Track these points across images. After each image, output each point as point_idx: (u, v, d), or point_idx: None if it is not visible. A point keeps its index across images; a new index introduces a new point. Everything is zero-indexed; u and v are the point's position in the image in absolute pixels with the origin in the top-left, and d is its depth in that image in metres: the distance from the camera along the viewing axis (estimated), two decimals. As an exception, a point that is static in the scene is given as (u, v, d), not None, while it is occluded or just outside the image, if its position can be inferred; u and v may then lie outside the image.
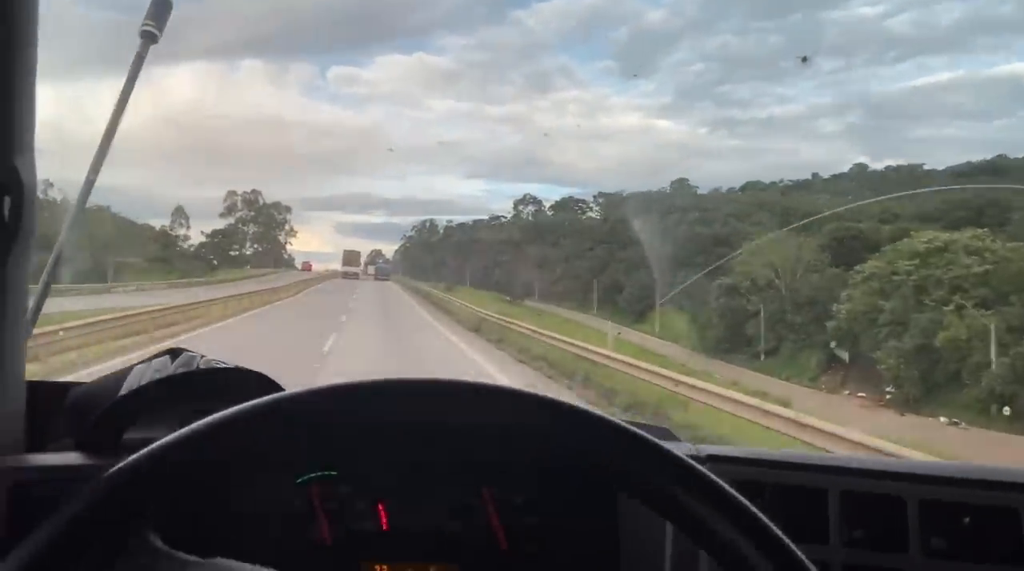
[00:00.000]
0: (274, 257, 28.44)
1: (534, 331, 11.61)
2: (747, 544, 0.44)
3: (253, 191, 27.38)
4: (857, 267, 11.29)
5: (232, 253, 26.78)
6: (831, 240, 13.09)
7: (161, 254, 23.70)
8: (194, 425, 0.47)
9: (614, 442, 0.47)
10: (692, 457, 0.51)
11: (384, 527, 0.88)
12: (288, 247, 29.42)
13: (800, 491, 0.81)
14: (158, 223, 25.43)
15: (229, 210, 26.86)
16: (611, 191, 26.48)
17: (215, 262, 24.79)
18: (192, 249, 24.85)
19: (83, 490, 0.45)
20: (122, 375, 0.85)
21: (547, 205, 27.51)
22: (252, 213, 27.63)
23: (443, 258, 27.62)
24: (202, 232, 24.87)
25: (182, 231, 25.70)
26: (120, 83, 1.02)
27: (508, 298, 20.29)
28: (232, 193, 27.04)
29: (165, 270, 23.11)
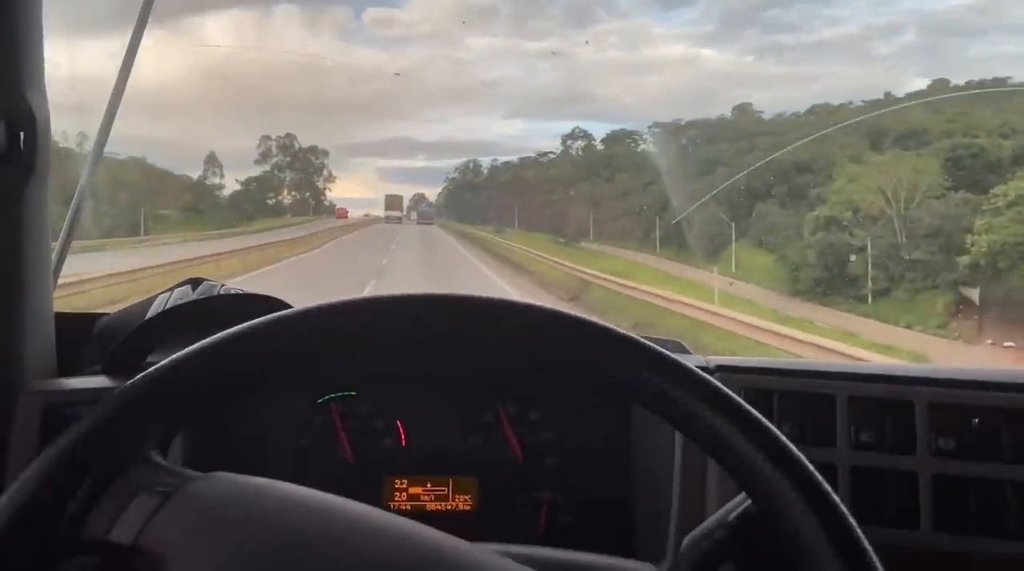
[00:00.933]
0: (314, 204, 27.26)
1: (619, 284, 10.13)
2: (754, 452, 0.45)
3: (288, 135, 26.04)
4: (994, 190, 9.46)
5: (268, 201, 25.64)
6: (945, 160, 11.18)
7: (195, 205, 22.73)
8: (201, 342, 0.48)
9: (625, 354, 0.49)
10: (702, 368, 0.53)
11: (403, 443, 0.95)
12: (328, 193, 28.13)
13: (808, 397, 0.85)
14: (197, 174, 24.35)
15: (264, 156, 25.62)
16: (666, 121, 24.57)
17: (250, 211, 23.60)
18: (226, 199, 23.60)
19: (94, 407, 0.47)
20: (146, 304, 0.93)
21: (598, 139, 25.68)
22: (288, 159, 26.36)
23: (489, 199, 26.09)
24: (236, 180, 23.74)
25: (216, 180, 24.40)
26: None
27: (562, 240, 18.78)
28: (266, 138, 25.73)
29: (200, 221, 22.15)
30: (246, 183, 23.62)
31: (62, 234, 0.99)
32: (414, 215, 29.00)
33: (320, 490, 0.48)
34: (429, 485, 0.95)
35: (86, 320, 0.95)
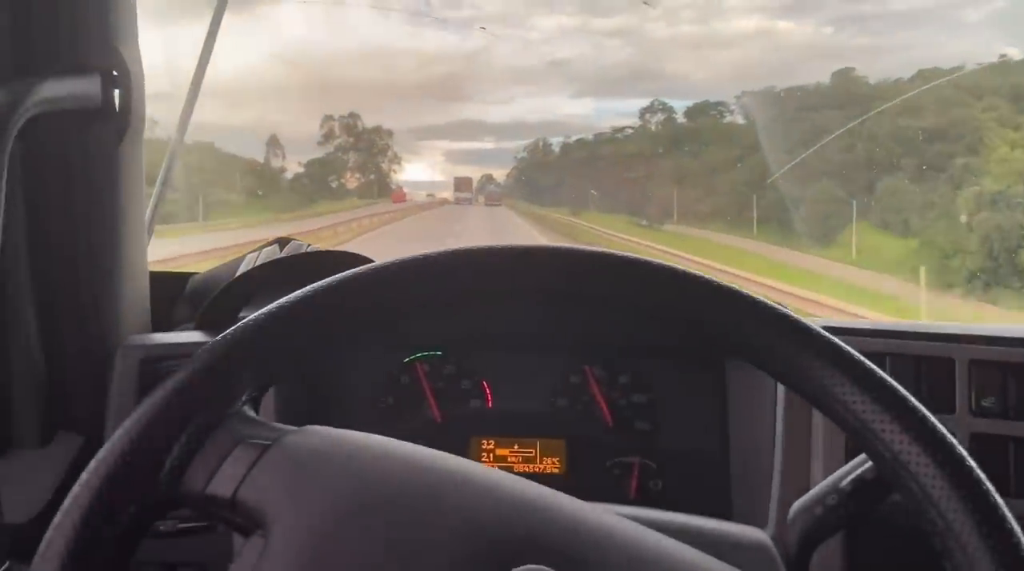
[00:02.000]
0: (379, 186, 26.13)
1: (733, 276, 8.53)
2: (880, 412, 0.43)
3: (351, 115, 24.97)
4: None
5: (332, 184, 24.61)
6: None
7: (256, 188, 21.89)
8: (291, 296, 0.48)
9: (744, 311, 0.46)
10: None
11: (489, 404, 0.95)
12: (394, 175, 26.99)
13: (924, 360, 0.81)
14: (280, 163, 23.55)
15: (326, 137, 24.60)
16: (757, 89, 22.44)
17: (312, 194, 22.54)
18: (288, 182, 22.59)
19: (190, 359, 0.47)
20: (235, 263, 0.96)
21: (679, 112, 23.69)
22: (351, 139, 25.26)
23: (561, 179, 24.46)
24: (299, 163, 22.77)
25: (278, 163, 23.42)
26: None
27: (644, 222, 17.12)
28: (329, 118, 24.68)
29: (261, 205, 21.30)
30: (308, 165, 22.63)
31: (154, 194, 1.02)
32: (481, 197, 27.71)
33: None
34: (516, 447, 0.92)
35: (178, 278, 0.99)
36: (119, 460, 0.44)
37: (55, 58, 0.75)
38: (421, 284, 0.47)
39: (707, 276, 0.48)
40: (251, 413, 0.49)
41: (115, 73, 0.76)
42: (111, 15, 0.77)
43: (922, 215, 10.98)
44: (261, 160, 23.01)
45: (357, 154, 25.52)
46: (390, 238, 15.02)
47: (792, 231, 13.99)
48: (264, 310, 0.48)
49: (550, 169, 25.91)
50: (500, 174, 30.17)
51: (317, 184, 22.69)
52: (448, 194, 28.53)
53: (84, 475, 0.45)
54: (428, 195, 27.89)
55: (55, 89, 0.69)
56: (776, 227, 14.56)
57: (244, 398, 0.48)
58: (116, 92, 0.76)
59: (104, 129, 0.78)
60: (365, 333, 0.49)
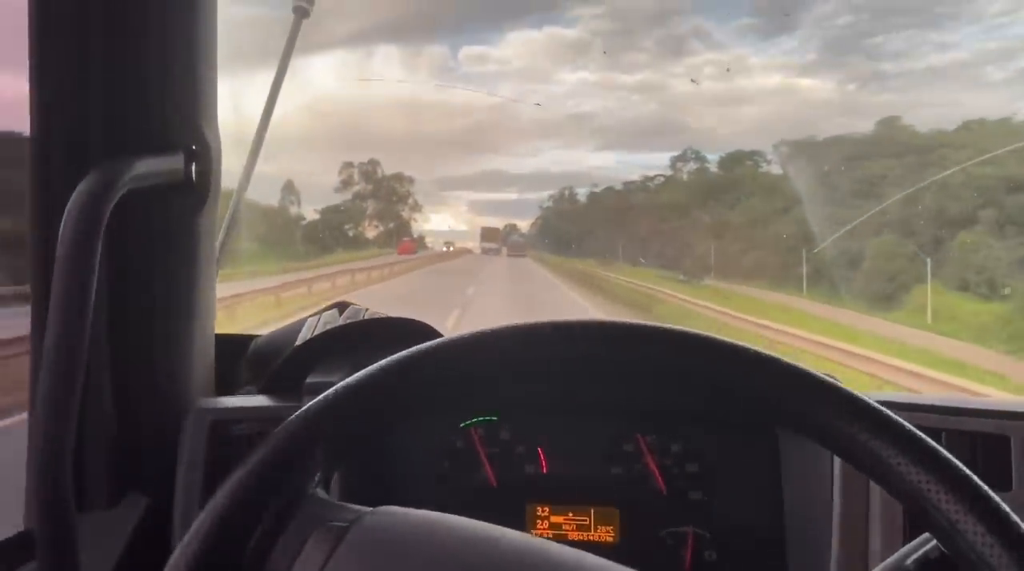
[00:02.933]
0: (398, 236, 25.16)
1: (811, 342, 7.20)
2: (938, 487, 0.43)
3: (370, 161, 24.10)
4: None
5: (349, 232, 23.67)
6: None
7: (268, 236, 20.97)
8: (367, 369, 0.49)
9: (811, 395, 0.47)
10: None
11: (543, 470, 0.93)
12: (414, 224, 25.93)
13: (980, 436, 0.81)
14: (296, 210, 22.63)
15: (345, 184, 23.72)
16: (796, 139, 21.30)
17: (328, 243, 21.48)
18: (302, 230, 21.65)
19: (273, 433, 0.48)
20: (296, 327, 0.98)
21: (712, 161, 22.57)
22: (370, 186, 24.38)
23: (589, 229, 23.32)
24: (315, 210, 21.85)
25: (293, 209, 22.48)
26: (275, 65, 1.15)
27: (682, 277, 15.86)
28: (348, 165, 23.83)
29: (273, 254, 20.36)
30: (323, 213, 21.68)
31: (216, 249, 1.01)
32: (504, 248, 26.65)
33: (464, 515, 0.48)
34: (571, 514, 0.92)
35: (241, 341, 1.02)
36: (203, 547, 0.45)
37: (144, 137, 0.80)
38: (479, 363, 0.49)
39: (760, 349, 0.49)
40: (323, 494, 0.50)
41: (195, 149, 0.81)
42: (195, 96, 0.83)
43: (1013, 274, 9.60)
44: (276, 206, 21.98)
45: (376, 202, 24.60)
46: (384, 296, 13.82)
47: (847, 290, 12.66)
48: (335, 388, 0.49)
49: (577, 219, 24.71)
50: (523, 225, 29.09)
51: (333, 232, 21.69)
52: (472, 244, 27.52)
53: (173, 556, 0.45)
54: (446, 245, 26.59)
55: (144, 167, 0.73)
56: (828, 286, 13.21)
57: (317, 479, 0.49)
58: (194, 166, 0.81)
59: (184, 202, 0.83)
60: (428, 409, 0.51)
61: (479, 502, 0.91)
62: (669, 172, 22.42)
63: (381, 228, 24.79)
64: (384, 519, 0.47)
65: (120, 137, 0.78)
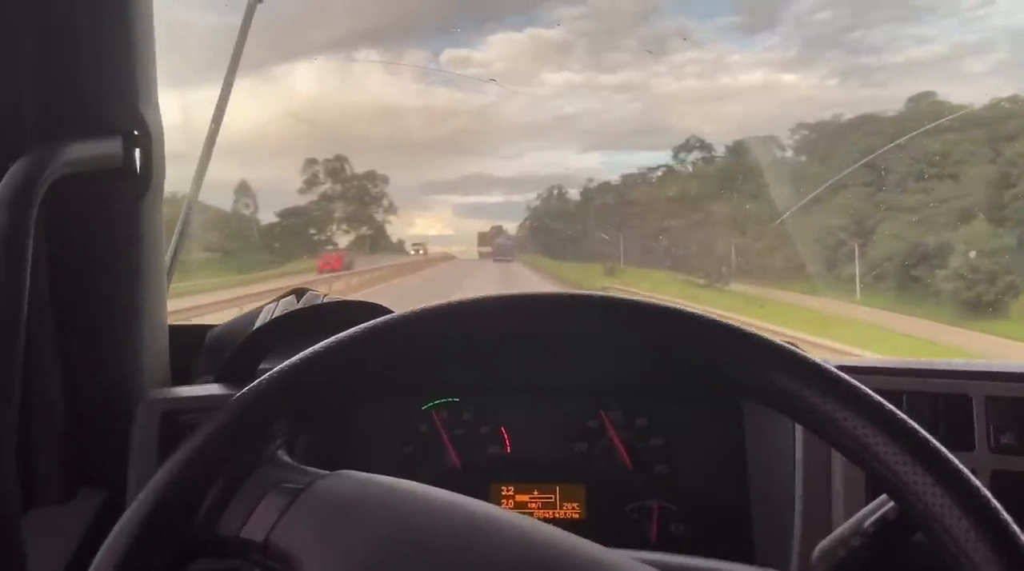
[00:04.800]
0: (372, 241, 22.51)
1: None
2: (901, 455, 0.43)
3: (336, 158, 21.37)
4: None
5: (315, 238, 21.01)
6: None
7: (222, 244, 18.29)
8: (314, 348, 0.49)
9: (757, 354, 0.47)
10: None
11: (507, 450, 0.96)
12: (389, 227, 23.16)
13: (941, 398, 0.82)
14: (252, 214, 19.76)
15: (309, 184, 21.03)
16: (814, 120, 18.91)
17: (287, 250, 18.71)
18: (257, 236, 18.89)
19: (215, 413, 0.48)
20: (253, 314, 0.99)
21: (717, 150, 20.09)
22: (338, 186, 21.70)
23: (584, 229, 20.80)
24: (275, 214, 19.16)
25: (247, 213, 19.63)
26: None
27: (702, 280, 13.42)
28: (312, 162, 21.07)
29: (225, 264, 17.72)
30: (282, 215, 18.97)
31: (174, 238, 1.05)
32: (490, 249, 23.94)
33: None
34: (536, 492, 0.94)
35: (196, 331, 1.02)
36: (156, 503, 0.45)
37: (79, 121, 0.78)
38: (439, 338, 0.48)
39: (716, 317, 0.48)
40: (285, 458, 0.49)
41: (136, 133, 0.79)
42: (132, 78, 0.80)
43: None
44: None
45: (345, 203, 21.90)
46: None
47: (921, 294, 10.21)
48: (300, 356, 0.49)
49: (570, 218, 22.09)
50: (511, 227, 26.44)
51: (295, 238, 19.01)
52: (457, 249, 24.81)
53: (123, 517, 0.46)
54: (415, 247, 23.64)
55: (79, 152, 0.71)
56: (890, 288, 10.76)
57: (278, 443, 0.49)
58: (137, 152, 0.79)
59: (125, 188, 0.80)
60: (391, 382, 0.50)
61: (443, 484, 0.78)
62: (671, 163, 19.94)
63: (351, 232, 22.09)
64: (340, 482, 0.48)
65: (53, 121, 0.77)
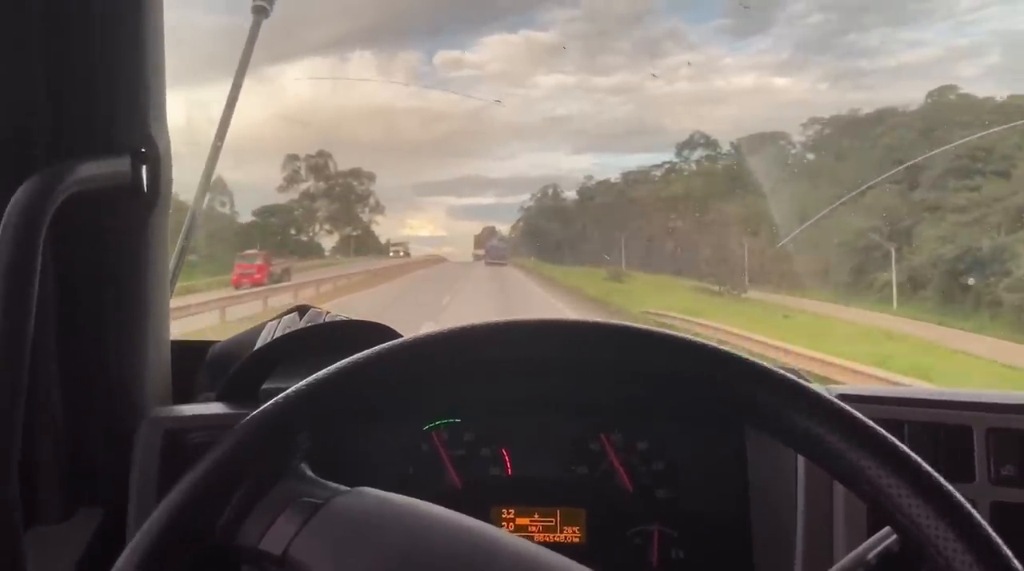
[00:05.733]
0: (357, 242, 21.25)
1: None
2: (902, 487, 0.43)
3: (320, 154, 20.04)
4: None
5: (299, 237, 19.77)
6: None
7: (198, 246, 17.00)
8: (323, 372, 0.50)
9: (760, 384, 0.47)
10: None
11: (508, 472, 0.92)
12: (376, 228, 21.79)
13: (942, 428, 0.80)
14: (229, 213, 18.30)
15: (289, 181, 19.74)
16: (830, 114, 17.74)
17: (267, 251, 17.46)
18: (233, 236, 17.56)
19: (226, 435, 0.48)
20: (255, 332, 0.95)
21: (723, 146, 18.86)
22: (321, 184, 20.40)
23: (582, 230, 19.60)
24: (252, 213, 17.90)
25: (223, 210, 18.21)
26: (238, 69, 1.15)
27: (717, 287, 12.18)
28: (293, 158, 19.76)
29: (195, 268, 16.43)
30: (260, 214, 17.66)
31: (175, 254, 1.01)
32: (481, 251, 22.62)
33: None
34: (537, 516, 0.90)
35: (199, 347, 0.99)
36: (180, 508, 0.46)
37: (88, 139, 0.78)
38: (447, 361, 0.48)
39: (717, 345, 0.48)
40: (307, 471, 0.50)
41: (144, 151, 0.79)
42: (142, 96, 0.79)
43: None
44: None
45: (329, 202, 20.61)
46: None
47: (972, 303, 9.07)
48: (327, 370, 0.49)
49: (567, 219, 20.84)
50: (504, 228, 25.15)
51: (273, 238, 17.73)
52: (450, 250, 23.56)
53: (149, 520, 0.46)
54: (394, 249, 22.15)
55: (87, 170, 0.71)
56: (934, 297, 9.61)
57: (300, 455, 0.49)
58: (144, 169, 0.78)
59: (132, 205, 0.80)
60: (391, 409, 0.51)
61: (445, 505, 0.80)
62: (675, 160, 18.72)
63: (336, 233, 20.82)
64: (358, 499, 0.48)
65: (63, 139, 0.76)
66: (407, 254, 21.43)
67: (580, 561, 0.48)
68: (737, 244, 13.68)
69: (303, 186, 19.92)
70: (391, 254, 21.16)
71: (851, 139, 16.16)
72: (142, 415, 0.84)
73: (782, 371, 0.48)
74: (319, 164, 19.97)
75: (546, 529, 0.89)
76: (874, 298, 10.69)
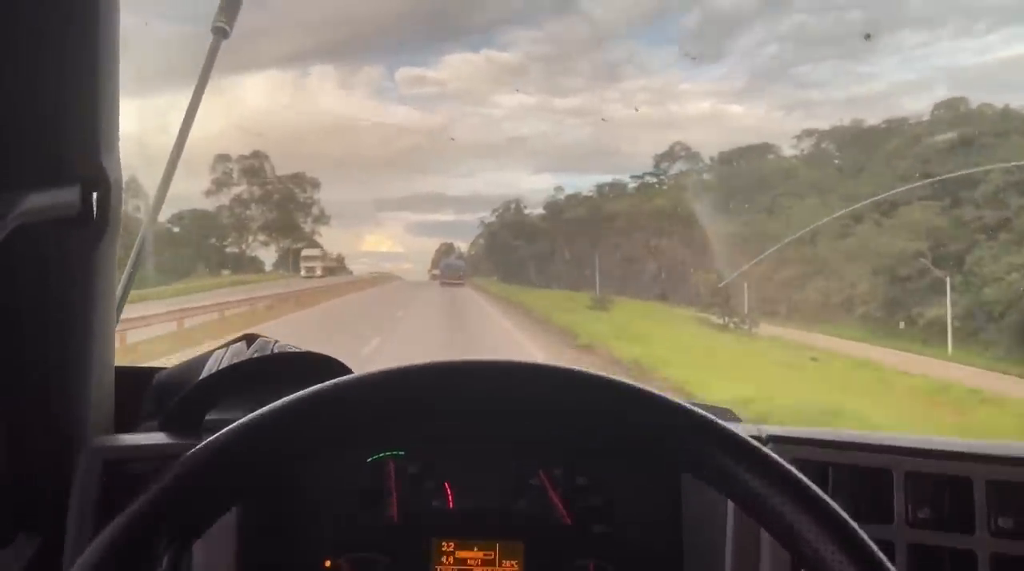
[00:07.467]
0: (294, 256, 18.79)
1: None
2: (809, 525, 0.45)
3: (255, 154, 17.56)
4: None
5: (230, 249, 17.28)
6: None
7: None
8: (269, 407, 0.48)
9: (678, 423, 0.48)
10: (754, 438, 0.52)
11: (450, 505, 0.92)
12: (319, 239, 19.25)
13: (864, 471, 0.81)
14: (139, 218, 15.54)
15: (219, 185, 17.24)
16: (829, 126, 15.96)
17: (177, 268, 14.91)
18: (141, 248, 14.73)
19: (168, 469, 0.47)
20: (202, 360, 0.94)
21: (705, 159, 16.91)
22: (256, 189, 17.94)
23: (550, 249, 17.47)
24: (165, 219, 15.32)
25: (137, 216, 15.33)
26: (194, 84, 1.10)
27: (718, 318, 10.04)
28: (223, 158, 17.24)
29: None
30: (176, 221, 15.10)
31: (123, 281, 1.00)
32: (436, 270, 20.33)
33: (367, 550, 0.50)
34: (476, 549, 0.91)
35: (143, 374, 0.97)
36: (114, 546, 0.45)
37: (38, 169, 0.77)
38: (382, 403, 0.49)
39: (644, 387, 0.48)
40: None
41: (94, 180, 0.78)
42: (95, 126, 0.79)
43: None
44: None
45: (266, 209, 18.13)
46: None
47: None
48: (235, 425, 0.48)
49: (533, 235, 18.64)
50: (463, 245, 22.90)
51: (190, 249, 15.17)
52: (408, 266, 21.27)
53: (82, 555, 0.45)
54: (307, 270, 19.40)
55: (36, 201, 0.71)
56: (1001, 340, 7.68)
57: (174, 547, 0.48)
58: (95, 198, 0.77)
59: (81, 235, 0.79)
60: (329, 445, 0.50)
61: (385, 539, 0.88)
62: (653, 174, 16.74)
63: (272, 244, 18.34)
64: None
65: (11, 169, 0.76)
66: (323, 274, 18.75)
67: None
68: (730, 267, 11.62)
69: (235, 190, 17.46)
70: (303, 273, 18.44)
71: (862, 151, 14.24)
72: (83, 442, 0.84)
73: (702, 411, 0.48)
74: (254, 166, 17.48)
75: (486, 563, 0.89)
76: (918, 337, 8.62)
